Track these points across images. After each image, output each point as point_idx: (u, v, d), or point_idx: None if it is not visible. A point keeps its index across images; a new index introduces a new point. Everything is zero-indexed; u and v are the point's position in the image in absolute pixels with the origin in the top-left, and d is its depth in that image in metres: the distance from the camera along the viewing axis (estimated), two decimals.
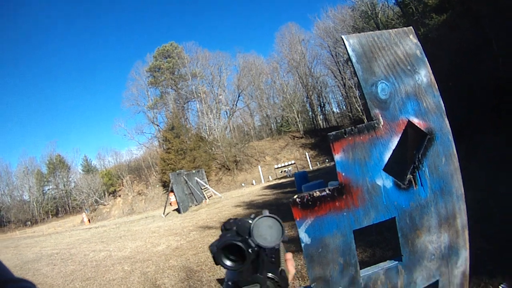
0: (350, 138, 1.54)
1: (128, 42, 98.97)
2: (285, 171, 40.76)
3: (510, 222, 5.47)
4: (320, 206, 1.50)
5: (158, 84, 59.12)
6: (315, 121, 61.37)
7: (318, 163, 42.49)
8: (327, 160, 42.11)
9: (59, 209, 68.22)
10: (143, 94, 61.56)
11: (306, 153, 44.42)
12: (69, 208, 66.75)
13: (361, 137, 1.56)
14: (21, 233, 47.68)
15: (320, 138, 50.63)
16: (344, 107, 59.32)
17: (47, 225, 53.37)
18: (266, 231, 0.92)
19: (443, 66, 15.68)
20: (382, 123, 1.60)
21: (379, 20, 40.43)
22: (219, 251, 0.88)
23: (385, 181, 1.59)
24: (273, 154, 49.06)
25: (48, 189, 70.06)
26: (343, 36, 1.67)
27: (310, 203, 1.49)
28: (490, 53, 14.34)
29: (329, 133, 1.52)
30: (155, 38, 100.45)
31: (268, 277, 0.89)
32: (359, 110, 44.58)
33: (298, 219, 1.48)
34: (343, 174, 1.53)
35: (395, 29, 1.77)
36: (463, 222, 1.77)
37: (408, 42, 1.77)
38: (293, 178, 25.28)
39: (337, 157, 1.53)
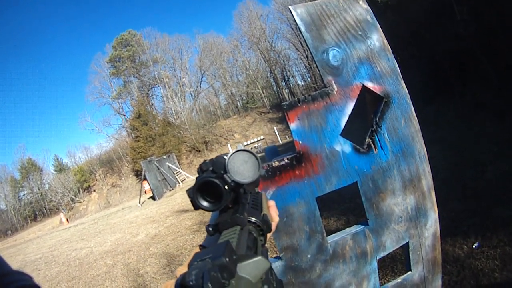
0: (304, 106, 1.55)
1: (85, 35, 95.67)
2: (255, 147, 40.52)
3: (481, 182, 5.63)
4: (280, 175, 1.51)
5: (120, 73, 57.87)
6: (280, 95, 61.15)
7: (287, 136, 42.44)
8: None
9: (37, 213, 66.76)
10: (106, 86, 60.18)
11: (275, 128, 44.38)
12: (46, 211, 65.37)
13: (316, 105, 1.57)
14: (3, 244, 46.63)
15: None
16: (308, 79, 59.09)
17: (27, 231, 52.33)
18: (242, 166, 0.89)
19: (405, 33, 15.82)
20: (336, 89, 1.61)
21: None
22: (195, 192, 0.85)
23: (343, 146, 1.60)
24: (241, 132, 49.00)
25: (24, 195, 68.24)
26: (290, 7, 1.67)
27: (270, 173, 1.50)
28: (451, 18, 14.47)
29: (282, 103, 1.52)
30: (112, 28, 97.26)
31: (249, 221, 0.86)
32: None
33: (259, 191, 1.49)
34: (300, 142, 1.54)
35: None
36: (429, 184, 1.80)
37: (358, 8, 1.78)
38: (263, 153, 25.29)
39: (293, 125, 1.53)
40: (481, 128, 8.74)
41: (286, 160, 1.51)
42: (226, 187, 0.84)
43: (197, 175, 0.91)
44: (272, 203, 1.06)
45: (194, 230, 9.85)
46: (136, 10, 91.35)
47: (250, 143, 42.57)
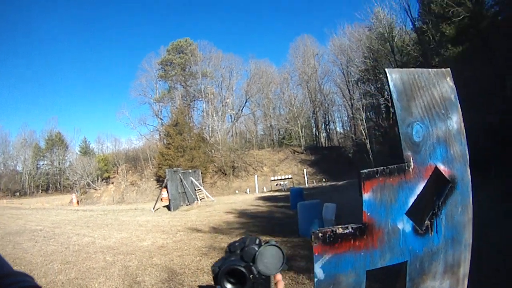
0: (381, 179, 1.52)
1: (143, 32, 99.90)
2: (280, 184, 40.58)
3: (502, 272, 5.42)
4: (340, 243, 1.47)
5: (167, 78, 59.09)
6: (317, 138, 61.42)
7: (314, 181, 42.39)
8: (323, 180, 42.05)
9: (50, 185, 68.83)
10: (151, 86, 61.73)
11: (304, 170, 44.33)
12: (60, 187, 67.15)
13: (391, 179, 1.53)
14: (8, 203, 47.70)
15: (321, 156, 50.56)
16: (348, 128, 59.38)
17: (36, 199, 53.48)
18: (269, 259, 1.00)
19: None
20: (412, 166, 1.57)
21: (394, 44, 40.49)
22: (222, 273, 0.96)
23: (405, 225, 1.57)
24: (271, 166, 48.96)
25: (43, 164, 70.86)
26: (386, 70, 1.65)
27: (331, 239, 1.46)
28: (501, 92, 14.29)
29: (361, 171, 1.50)
30: (170, 31, 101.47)
31: None
32: (363, 133, 44.42)
33: (316, 254, 1.46)
34: (368, 214, 1.50)
35: (434, 69, 1.75)
36: (465, 271, 1.77)
37: (445, 84, 1.75)
38: (287, 193, 25.25)
39: (366, 196, 1.50)
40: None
41: (350, 229, 1.47)
42: (251, 276, 0.97)
43: (225, 254, 1.08)
44: (279, 277, 1.09)
45: (203, 252, 9.67)
46: (198, 20, 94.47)
47: (277, 179, 42.68)
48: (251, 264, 0.98)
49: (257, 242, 1.05)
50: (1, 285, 0.81)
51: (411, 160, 1.57)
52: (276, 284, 1.06)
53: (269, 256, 1.00)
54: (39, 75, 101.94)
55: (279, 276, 1.07)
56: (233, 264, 0.97)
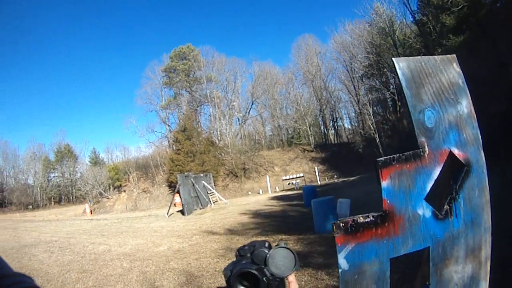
0: (397, 166, 1.53)
1: (145, 40, 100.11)
2: (293, 183, 40.54)
3: None
4: (363, 232, 1.49)
5: (172, 85, 59.30)
6: (326, 136, 61.30)
7: (326, 178, 42.38)
8: (335, 176, 42.09)
9: (62, 197, 69.23)
10: (157, 94, 61.99)
11: (316, 167, 44.24)
12: (72, 198, 67.52)
13: (408, 165, 1.55)
14: (22, 216, 48.20)
15: (331, 153, 50.49)
16: (356, 123, 59.09)
17: (49, 211, 53.79)
18: (280, 261, 1.02)
19: None
20: (427, 152, 1.59)
21: (396, 38, 40.47)
22: (234, 277, 0.99)
23: (425, 211, 1.58)
24: (282, 165, 48.91)
25: (54, 177, 71.35)
26: (394, 59, 1.66)
27: (353, 228, 1.48)
28: (506, 80, 14.19)
29: (377, 159, 1.51)
30: (172, 38, 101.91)
31: None
32: (372, 127, 44.26)
33: (339, 245, 1.47)
34: (388, 201, 1.51)
35: (440, 56, 1.75)
36: (487, 254, 1.77)
37: (451, 70, 1.76)
38: (300, 191, 25.26)
39: (384, 183, 1.51)
40: None
41: (371, 218, 1.49)
42: (264, 278, 0.99)
43: (235, 258, 1.13)
44: (292, 277, 1.10)
45: (220, 254, 9.65)
46: (198, 26, 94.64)
47: (289, 178, 42.64)
48: (263, 266, 1.01)
49: (266, 245, 1.08)
50: (1, 286, 0.82)
51: (426, 146, 1.59)
52: (288, 284, 1.08)
53: (280, 258, 1.02)
54: (43, 89, 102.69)
55: (291, 277, 1.09)
56: (245, 267, 1.00)
